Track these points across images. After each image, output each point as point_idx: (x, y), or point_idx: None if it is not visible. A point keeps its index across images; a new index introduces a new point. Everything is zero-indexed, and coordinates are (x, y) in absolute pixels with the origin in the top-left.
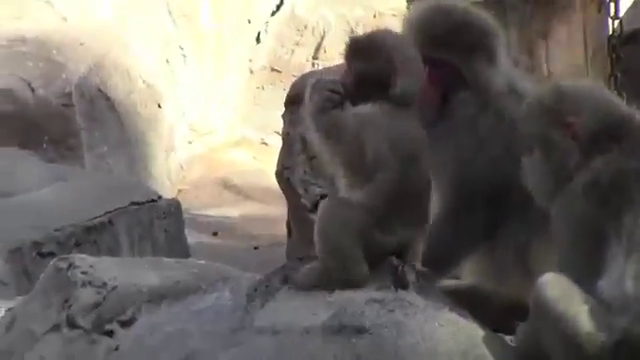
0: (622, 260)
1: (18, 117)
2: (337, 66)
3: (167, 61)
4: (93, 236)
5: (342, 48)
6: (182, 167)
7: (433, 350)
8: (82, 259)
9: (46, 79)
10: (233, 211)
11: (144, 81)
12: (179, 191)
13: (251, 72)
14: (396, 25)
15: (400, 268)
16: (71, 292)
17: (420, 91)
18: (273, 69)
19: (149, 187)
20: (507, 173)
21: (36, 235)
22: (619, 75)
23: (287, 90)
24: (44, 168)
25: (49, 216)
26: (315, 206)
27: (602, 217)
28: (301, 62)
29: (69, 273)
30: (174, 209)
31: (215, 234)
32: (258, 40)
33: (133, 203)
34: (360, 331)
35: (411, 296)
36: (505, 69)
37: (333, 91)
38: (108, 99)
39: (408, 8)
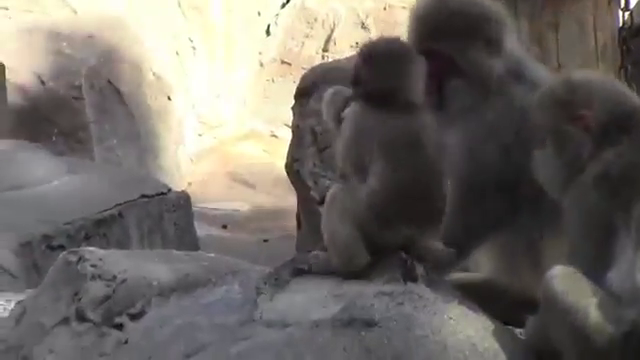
0: (631, 252)
1: (28, 110)
2: (347, 59)
3: (177, 53)
4: (103, 229)
5: (352, 40)
6: (192, 160)
7: (442, 343)
8: (92, 252)
9: (56, 72)
10: (242, 204)
11: (154, 74)
12: (189, 184)
13: (261, 65)
14: (406, 17)
15: (409, 261)
16: (81, 285)
17: (400, 87)
18: (283, 62)
19: (159, 180)
20: (517, 162)
21: (46, 228)
22: (629, 67)
23: (297, 83)
24: (54, 161)
25: (59, 209)
26: (324, 199)
27: (612, 209)
28: (311, 54)
29: (79, 266)
30: (184, 202)
31: (224, 227)
32: (268, 33)
33: (143, 196)
34: (369, 324)
35: (420, 289)
36: (513, 56)
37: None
38: (118, 92)
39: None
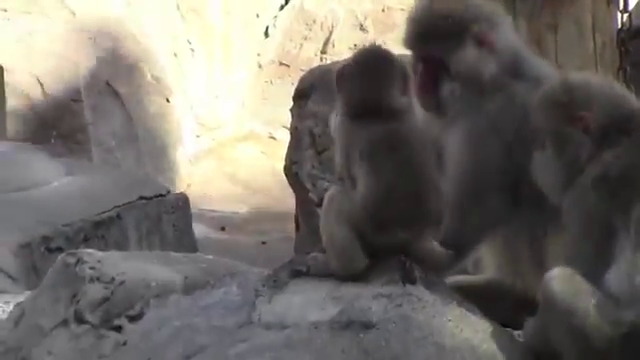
0: (630, 253)
1: (27, 112)
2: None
3: (175, 55)
4: (101, 231)
5: (351, 42)
6: (190, 161)
7: (441, 345)
8: (90, 254)
9: (55, 74)
10: (241, 206)
11: (152, 75)
12: (187, 185)
13: (259, 66)
14: (404, 19)
15: (408, 263)
16: (79, 287)
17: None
18: (281, 63)
19: (157, 181)
20: (518, 160)
21: (45, 230)
22: (628, 68)
23: (295, 84)
24: (52, 163)
25: (57, 211)
26: (323, 200)
27: (611, 210)
28: (309, 56)
29: (77, 268)
30: (182, 203)
31: (223, 229)
32: (266, 34)
33: (141, 198)
34: (368, 326)
35: (419, 291)
36: (509, 53)
37: None
38: (116, 94)
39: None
